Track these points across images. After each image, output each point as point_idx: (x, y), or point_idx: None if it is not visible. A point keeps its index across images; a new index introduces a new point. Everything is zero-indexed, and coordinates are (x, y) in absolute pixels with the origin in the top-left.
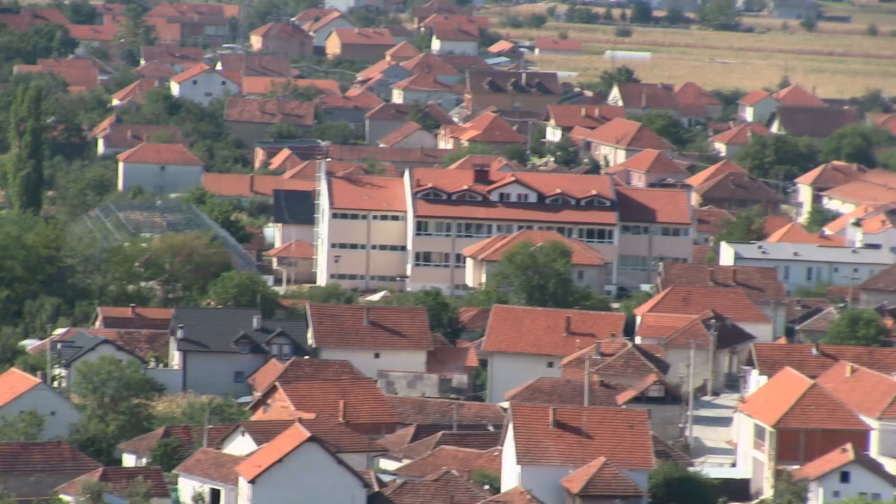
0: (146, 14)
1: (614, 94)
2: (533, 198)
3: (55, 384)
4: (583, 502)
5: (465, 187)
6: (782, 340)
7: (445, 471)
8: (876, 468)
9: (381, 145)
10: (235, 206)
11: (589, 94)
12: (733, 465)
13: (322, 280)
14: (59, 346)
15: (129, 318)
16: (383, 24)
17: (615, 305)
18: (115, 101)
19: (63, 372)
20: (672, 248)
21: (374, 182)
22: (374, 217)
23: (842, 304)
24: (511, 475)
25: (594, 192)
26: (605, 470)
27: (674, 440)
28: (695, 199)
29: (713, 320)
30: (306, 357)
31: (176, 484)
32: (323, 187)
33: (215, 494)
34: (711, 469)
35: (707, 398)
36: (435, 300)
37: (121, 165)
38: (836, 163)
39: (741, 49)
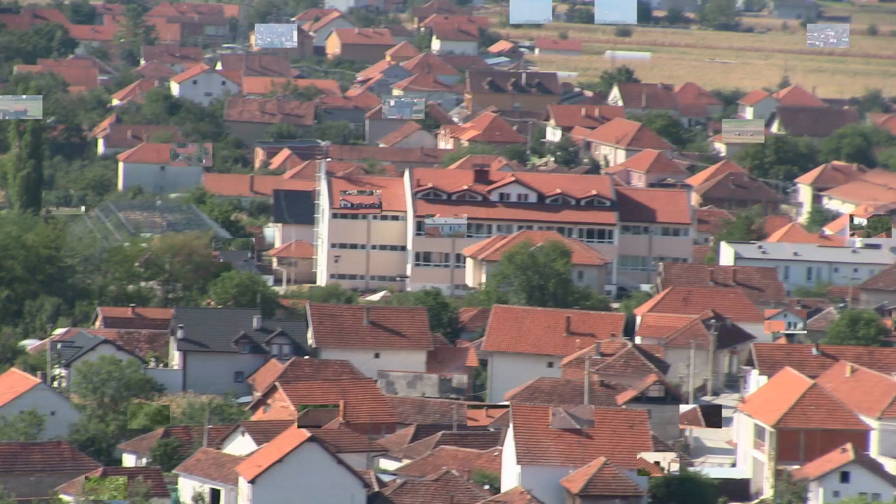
0: (146, 14)
1: (614, 94)
2: (533, 198)
3: (55, 384)
4: (583, 502)
5: (465, 187)
6: (782, 340)
7: (445, 471)
8: (876, 468)
9: (381, 145)
10: (235, 206)
11: (589, 94)
12: (733, 465)
13: (322, 280)
14: (59, 346)
15: (129, 318)
16: (383, 24)
17: (615, 305)
18: (115, 101)
19: (63, 372)
20: (672, 248)
21: (374, 182)
22: (374, 217)
23: (842, 304)
24: (511, 475)
25: (594, 192)
26: (605, 470)
27: (674, 440)
28: (695, 199)
29: (713, 320)
30: (306, 357)
31: (176, 484)
32: (323, 187)
33: (215, 494)
34: (711, 469)
35: (707, 398)
36: (435, 300)
37: (121, 165)
38: (836, 163)
39: (741, 49)
